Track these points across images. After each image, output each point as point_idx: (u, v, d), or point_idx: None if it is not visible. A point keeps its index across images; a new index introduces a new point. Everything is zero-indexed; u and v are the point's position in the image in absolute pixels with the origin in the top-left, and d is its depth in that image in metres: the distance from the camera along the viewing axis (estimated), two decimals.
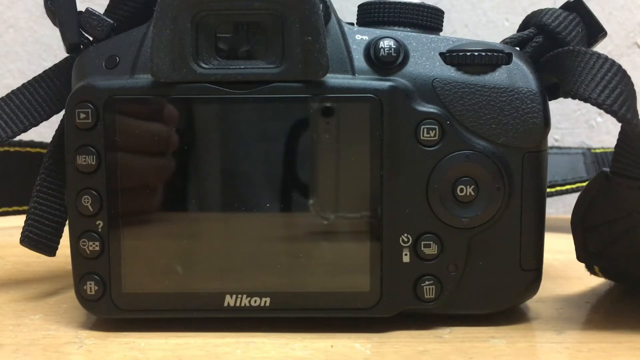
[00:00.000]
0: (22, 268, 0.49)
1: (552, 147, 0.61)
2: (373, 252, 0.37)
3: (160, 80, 0.36)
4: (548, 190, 0.56)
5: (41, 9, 0.40)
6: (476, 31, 0.76)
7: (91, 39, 0.39)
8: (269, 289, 0.37)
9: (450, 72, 0.37)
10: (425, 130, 0.36)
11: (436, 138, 0.36)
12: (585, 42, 0.40)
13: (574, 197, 0.43)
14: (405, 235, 0.37)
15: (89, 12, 0.38)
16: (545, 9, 0.40)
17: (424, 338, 0.37)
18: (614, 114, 0.35)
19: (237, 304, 0.37)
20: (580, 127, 0.77)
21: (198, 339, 0.36)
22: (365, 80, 0.36)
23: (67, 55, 0.41)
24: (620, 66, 0.36)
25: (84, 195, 0.37)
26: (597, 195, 0.39)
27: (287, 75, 0.36)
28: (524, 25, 0.41)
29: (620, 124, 0.35)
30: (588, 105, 0.36)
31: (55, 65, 0.42)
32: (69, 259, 0.37)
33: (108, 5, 0.40)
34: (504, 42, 0.40)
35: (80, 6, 0.39)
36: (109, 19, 0.38)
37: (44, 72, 0.42)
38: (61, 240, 0.41)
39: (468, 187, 0.37)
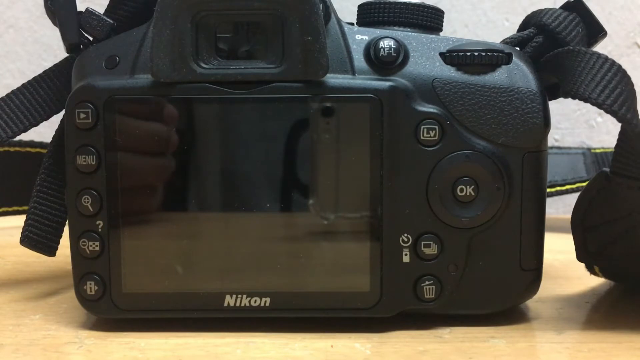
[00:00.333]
0: (22, 268, 0.49)
1: (552, 147, 0.61)
2: (373, 252, 0.37)
3: (160, 80, 0.36)
4: (548, 190, 0.56)
5: (41, 9, 0.40)
6: (476, 31, 0.76)
7: (91, 39, 0.39)
8: (269, 289, 0.37)
9: (450, 72, 0.37)
10: (425, 130, 0.36)
11: (436, 138, 0.36)
12: (585, 42, 0.40)
13: (574, 197, 0.43)
14: (405, 235, 0.37)
15: (89, 12, 0.38)
16: (545, 9, 0.40)
17: (424, 338, 0.37)
18: (614, 114, 0.35)
19: (237, 304, 0.37)
20: (580, 127, 0.77)
21: (198, 339, 0.36)
22: (365, 80, 0.36)
23: (67, 55, 0.41)
24: (620, 66, 0.36)
25: (84, 195, 0.37)
26: (597, 195, 0.39)
27: (287, 75, 0.36)
28: (524, 25, 0.41)
29: (620, 124, 0.35)
30: (588, 105, 0.36)
31: (55, 65, 0.42)
32: (69, 259, 0.37)
33: (108, 5, 0.40)
34: (504, 42, 0.40)
35: (80, 6, 0.39)
36: (109, 19, 0.38)
37: (44, 72, 0.42)
38: (61, 240, 0.41)
39: (468, 187, 0.37)
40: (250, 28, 0.36)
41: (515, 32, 0.41)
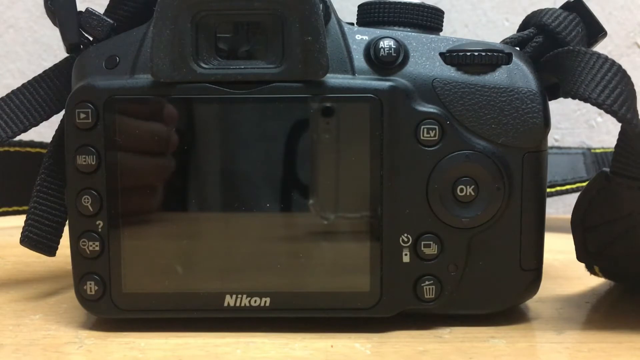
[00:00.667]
0: (22, 268, 0.49)
1: (552, 147, 0.61)
2: (373, 252, 0.37)
3: (160, 80, 0.36)
4: (548, 190, 0.56)
5: (41, 9, 0.40)
6: (476, 31, 0.76)
7: (91, 39, 0.39)
8: (269, 289, 0.37)
9: (450, 72, 0.37)
10: (425, 130, 0.36)
11: (436, 138, 0.36)
12: (585, 42, 0.40)
13: (574, 197, 0.43)
14: (405, 235, 0.37)
15: (89, 12, 0.38)
16: (545, 9, 0.40)
17: (424, 338, 0.37)
18: (614, 114, 0.35)
19: (237, 304, 0.37)
20: (580, 127, 0.77)
21: (198, 339, 0.36)
22: (365, 80, 0.36)
23: (67, 55, 0.41)
24: (620, 66, 0.36)
25: (84, 195, 0.37)
26: (597, 195, 0.39)
27: (287, 75, 0.36)
28: (524, 25, 0.41)
29: (620, 124, 0.35)
30: (588, 105, 0.36)
31: (55, 65, 0.42)
32: (69, 259, 0.37)
33: (108, 5, 0.40)
34: (504, 42, 0.40)
35: (80, 6, 0.39)
36: (109, 19, 0.38)
37: (44, 72, 0.42)
38: (61, 240, 0.41)
39: (468, 187, 0.37)
40: (250, 28, 0.36)
41: (515, 32, 0.41)
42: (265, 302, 0.37)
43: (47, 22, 0.39)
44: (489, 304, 0.38)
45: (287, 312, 0.37)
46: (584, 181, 0.61)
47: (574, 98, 0.36)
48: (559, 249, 0.46)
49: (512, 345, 0.36)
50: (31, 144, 0.53)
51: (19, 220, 0.42)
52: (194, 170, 0.37)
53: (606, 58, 0.36)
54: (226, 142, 0.37)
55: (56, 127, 0.40)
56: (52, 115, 0.42)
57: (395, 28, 0.38)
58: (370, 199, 0.36)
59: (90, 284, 0.37)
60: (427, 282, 0.37)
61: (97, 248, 0.37)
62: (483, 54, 0.37)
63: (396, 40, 0.37)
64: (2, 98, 0.42)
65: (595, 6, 0.46)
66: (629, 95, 0.35)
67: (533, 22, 0.40)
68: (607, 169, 0.37)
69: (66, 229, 0.39)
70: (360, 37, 0.37)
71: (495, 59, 0.37)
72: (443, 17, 0.40)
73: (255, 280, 0.37)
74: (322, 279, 0.37)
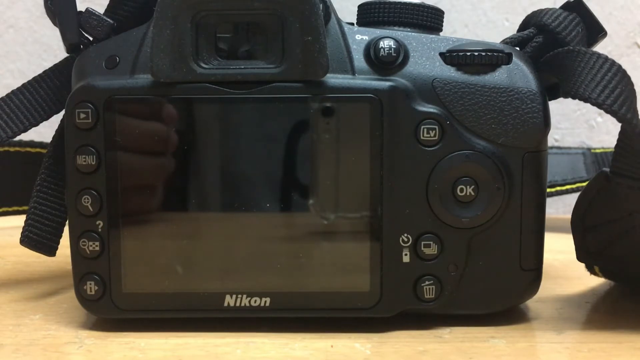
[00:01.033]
0: (22, 268, 0.49)
1: (552, 147, 0.62)
2: (373, 252, 0.37)
3: (160, 80, 0.36)
4: (548, 190, 0.56)
5: (41, 9, 0.40)
6: (476, 31, 0.76)
7: (91, 39, 0.39)
8: (269, 289, 0.37)
9: (450, 72, 0.37)
10: (425, 130, 0.36)
11: (436, 138, 0.36)
12: (585, 42, 0.40)
13: (574, 197, 0.43)
14: (405, 235, 0.37)
15: (89, 12, 0.38)
16: (545, 9, 0.40)
17: (424, 338, 0.37)
18: (614, 114, 0.35)
19: (237, 304, 0.37)
20: (580, 127, 0.77)
21: (198, 339, 0.36)
22: (365, 80, 0.36)
23: (67, 55, 0.41)
24: (620, 66, 0.36)
25: (84, 195, 0.37)
26: (597, 195, 0.39)
27: (287, 75, 0.36)
28: (524, 25, 0.41)
29: (620, 124, 0.35)
30: (588, 105, 0.36)
31: (55, 65, 0.42)
32: (69, 259, 0.37)
33: (108, 5, 0.40)
34: (504, 42, 0.40)
35: (80, 6, 0.39)
36: (109, 19, 0.38)
37: (44, 72, 0.42)
38: (61, 240, 0.41)
39: (468, 187, 0.37)
40: (250, 28, 0.36)
41: (515, 32, 0.41)
42: (265, 302, 0.37)
43: (47, 22, 0.39)
44: (489, 304, 0.38)
45: (287, 312, 0.37)
46: (584, 181, 0.61)
47: (574, 98, 0.36)
48: (559, 249, 0.46)
49: (512, 345, 0.36)
50: (31, 144, 0.54)
51: (19, 220, 0.42)
52: (194, 170, 0.37)
53: (606, 58, 0.36)
54: (226, 142, 0.37)
55: (56, 127, 0.40)
56: (52, 115, 0.42)
57: (395, 28, 0.38)
58: (370, 199, 0.36)
59: (90, 284, 0.37)
60: (427, 282, 0.37)
61: (97, 248, 0.37)
62: (483, 54, 0.37)
63: (396, 40, 0.37)
64: (2, 98, 0.42)
65: (595, 6, 0.46)
66: (629, 95, 0.35)
67: (533, 22, 0.40)
68: (607, 169, 0.37)
69: (66, 229, 0.39)
70: (360, 37, 0.37)
71: (495, 59, 0.37)
72: (443, 17, 0.40)
73: (255, 280, 0.37)
74: (322, 279, 0.37)
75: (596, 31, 0.40)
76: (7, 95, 0.42)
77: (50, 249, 0.41)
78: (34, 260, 0.49)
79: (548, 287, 0.43)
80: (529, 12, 0.41)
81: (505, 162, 0.37)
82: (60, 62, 0.42)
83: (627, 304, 0.43)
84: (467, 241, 0.37)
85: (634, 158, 0.35)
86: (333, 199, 0.37)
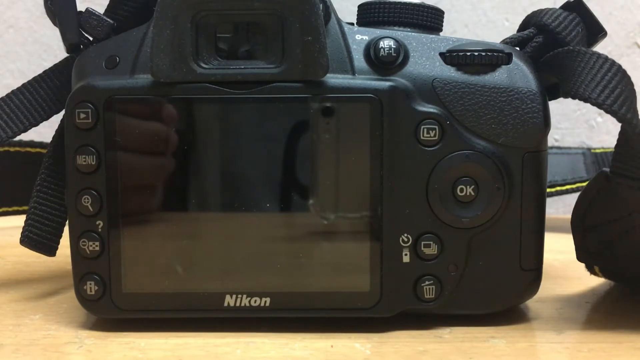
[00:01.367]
0: (22, 268, 0.49)
1: (552, 147, 0.62)
2: (373, 252, 0.37)
3: (160, 80, 0.36)
4: (548, 190, 0.56)
5: (41, 9, 0.40)
6: (476, 31, 0.76)
7: (91, 39, 0.39)
8: (269, 289, 0.37)
9: (450, 72, 0.37)
10: (425, 130, 0.36)
11: (436, 138, 0.36)
12: (585, 42, 0.40)
13: (574, 197, 0.43)
14: (405, 235, 0.37)
15: (89, 12, 0.38)
16: (545, 9, 0.40)
17: (424, 338, 0.37)
18: (614, 114, 0.35)
19: (237, 304, 0.37)
20: (580, 127, 0.77)
21: (198, 339, 0.36)
22: (365, 80, 0.36)
23: (67, 55, 0.41)
24: (620, 66, 0.36)
25: (84, 195, 0.37)
26: (597, 195, 0.39)
27: (287, 75, 0.36)
28: (524, 25, 0.41)
29: (620, 124, 0.35)
30: (588, 105, 0.36)
31: (55, 65, 0.42)
32: (69, 259, 0.37)
33: (108, 5, 0.40)
34: (504, 42, 0.40)
35: (80, 6, 0.39)
36: (109, 19, 0.38)
37: (44, 72, 0.42)
38: (61, 240, 0.41)
39: (468, 187, 0.37)
40: (250, 28, 0.36)
41: (515, 32, 0.41)
42: (265, 302, 0.37)
43: (47, 22, 0.39)
44: (489, 304, 0.38)
45: (287, 312, 0.37)
46: (584, 181, 0.61)
47: (574, 98, 0.36)
48: (559, 249, 0.46)
49: (512, 345, 0.36)
50: (31, 144, 0.54)
51: (19, 220, 0.42)
52: (194, 170, 0.37)
53: (606, 58, 0.36)
54: (226, 142, 0.37)
55: (56, 127, 0.40)
56: (52, 115, 0.42)
57: (395, 28, 0.38)
58: (370, 199, 0.36)
59: (90, 284, 0.37)
60: (427, 282, 0.37)
61: (97, 248, 0.37)
62: (483, 54, 0.37)
63: (396, 40, 0.37)
64: (2, 98, 0.42)
65: (595, 6, 0.46)
66: (629, 95, 0.35)
67: (533, 22, 0.40)
68: (607, 169, 0.37)
69: (66, 229, 0.39)
70: (360, 37, 0.37)
71: (495, 59, 0.37)
72: (443, 17, 0.40)
73: (255, 280, 0.37)
74: (322, 279, 0.37)
75: (596, 31, 0.40)
76: (7, 95, 0.42)
77: (50, 249, 0.41)
78: (34, 260, 0.49)
79: (548, 287, 0.43)
80: (529, 12, 0.41)
81: (505, 162, 0.37)
82: (60, 62, 0.42)
83: (627, 304, 0.43)
84: (467, 241, 0.37)
85: (634, 158, 0.35)
86: (333, 199, 0.37)
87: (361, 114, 0.36)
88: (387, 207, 0.36)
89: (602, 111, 0.36)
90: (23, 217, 0.41)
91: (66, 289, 0.44)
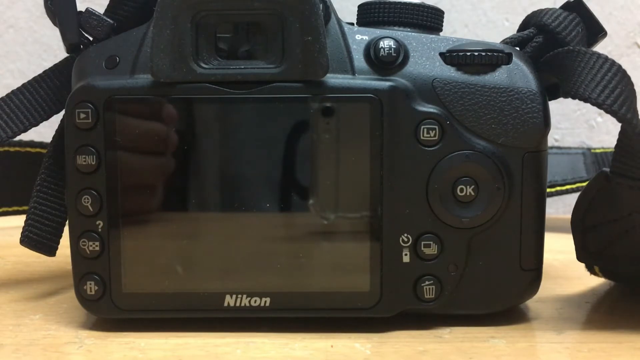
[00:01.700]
0: (22, 268, 0.49)
1: (552, 147, 0.62)
2: (373, 252, 0.37)
3: (160, 80, 0.36)
4: (548, 190, 0.56)
5: (41, 9, 0.40)
6: (476, 31, 0.76)
7: (91, 39, 0.39)
8: (269, 289, 0.37)
9: (450, 72, 0.37)
10: (425, 130, 0.36)
11: (436, 138, 0.36)
12: (585, 42, 0.40)
13: (574, 197, 0.43)
14: (405, 235, 0.37)
15: (89, 12, 0.38)
16: (545, 9, 0.40)
17: (424, 338, 0.37)
18: (614, 114, 0.35)
19: (237, 304, 0.37)
20: (580, 127, 0.77)
21: (198, 339, 0.36)
22: (365, 80, 0.36)
23: (67, 55, 0.41)
24: (620, 66, 0.36)
25: (84, 195, 0.37)
26: (597, 195, 0.39)
27: (287, 75, 0.36)
28: (524, 25, 0.41)
29: (620, 124, 0.35)
30: (588, 105, 0.36)
31: (55, 65, 0.42)
32: (69, 259, 0.37)
33: (108, 5, 0.40)
34: (504, 42, 0.40)
35: (80, 6, 0.39)
36: (109, 19, 0.38)
37: (44, 72, 0.42)
38: (61, 240, 0.41)
39: (468, 187, 0.37)
40: (250, 28, 0.36)
41: (515, 32, 0.41)
42: (265, 302, 0.37)
43: (47, 22, 0.39)
44: (489, 304, 0.38)
45: (287, 312, 0.37)
46: (584, 181, 0.61)
47: (574, 98, 0.36)
48: (559, 249, 0.46)
49: (512, 345, 0.36)
50: (31, 144, 0.54)
51: (19, 220, 0.42)
52: (194, 170, 0.37)
53: (606, 58, 0.36)
54: (226, 142, 0.37)
55: (56, 127, 0.40)
56: (52, 115, 0.42)
57: (395, 28, 0.38)
58: (370, 199, 0.36)
59: (90, 284, 0.37)
60: (427, 282, 0.37)
61: (97, 248, 0.37)
62: (483, 54, 0.37)
63: (396, 40, 0.37)
64: (2, 98, 0.42)
65: (595, 6, 0.46)
66: (629, 95, 0.35)
67: (533, 22, 0.40)
68: (607, 169, 0.37)
69: (66, 229, 0.39)
70: (360, 37, 0.37)
71: (495, 59, 0.37)
72: (443, 17, 0.40)
73: (255, 280, 0.37)
74: (322, 279, 0.37)
75: (596, 31, 0.40)
76: (7, 95, 0.42)
77: (50, 249, 0.41)
78: (34, 260, 0.49)
79: (548, 287, 0.43)
80: (529, 12, 0.41)
81: (505, 162, 0.37)
82: (60, 62, 0.42)
83: (627, 304, 0.43)
84: (467, 241, 0.37)
85: (634, 158, 0.35)
86: (333, 199, 0.37)
87: (361, 114, 0.36)
88: (387, 207, 0.36)
89: (602, 111, 0.36)
90: (23, 217, 0.41)
91: (66, 289, 0.44)
